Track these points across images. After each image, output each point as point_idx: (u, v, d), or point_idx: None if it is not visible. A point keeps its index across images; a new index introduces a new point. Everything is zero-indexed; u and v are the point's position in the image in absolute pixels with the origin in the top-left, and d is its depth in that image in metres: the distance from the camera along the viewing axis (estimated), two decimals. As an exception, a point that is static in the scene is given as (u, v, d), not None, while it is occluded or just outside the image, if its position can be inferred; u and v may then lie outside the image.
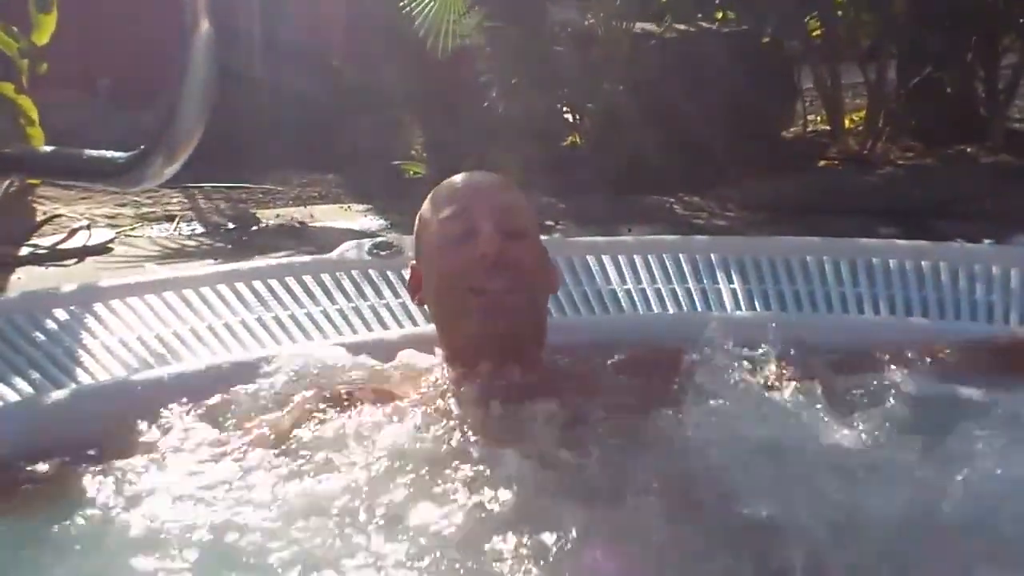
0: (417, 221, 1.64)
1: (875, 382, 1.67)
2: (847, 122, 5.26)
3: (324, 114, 4.89)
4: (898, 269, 2.14)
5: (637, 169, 4.13)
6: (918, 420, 1.53)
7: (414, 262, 1.67)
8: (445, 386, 1.52)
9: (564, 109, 4.72)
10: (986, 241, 2.96)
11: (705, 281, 2.12)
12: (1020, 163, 4.59)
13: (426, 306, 1.70)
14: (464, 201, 1.55)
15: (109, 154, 1.84)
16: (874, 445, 1.44)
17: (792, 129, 5.32)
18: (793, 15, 4.96)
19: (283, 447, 1.44)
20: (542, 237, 1.69)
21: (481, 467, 1.34)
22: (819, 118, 5.45)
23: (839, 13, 5.09)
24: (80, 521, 1.29)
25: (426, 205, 1.62)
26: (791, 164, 4.41)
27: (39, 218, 3.62)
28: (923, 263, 2.15)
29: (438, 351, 1.63)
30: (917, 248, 2.26)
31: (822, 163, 4.72)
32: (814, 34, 5.15)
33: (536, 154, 4.21)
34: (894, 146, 4.95)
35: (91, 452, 1.48)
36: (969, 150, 4.87)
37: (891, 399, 1.58)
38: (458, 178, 1.61)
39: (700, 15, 5.19)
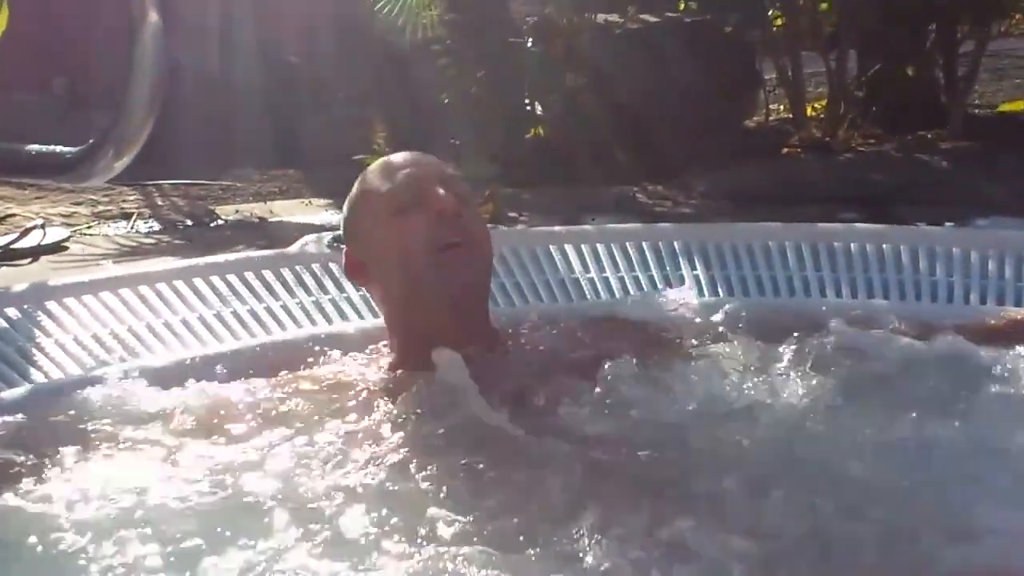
0: (350, 204, 1.63)
1: (838, 363, 1.68)
2: (809, 110, 5.29)
3: (284, 110, 4.84)
4: (859, 252, 2.15)
5: (601, 159, 4.12)
6: (895, 398, 1.54)
7: (345, 248, 1.65)
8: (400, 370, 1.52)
9: (527, 101, 4.70)
10: (947, 224, 2.99)
11: (668, 268, 2.12)
12: (979, 148, 4.63)
13: (366, 290, 1.69)
14: (407, 173, 1.55)
15: (58, 149, 1.80)
16: (831, 415, 1.45)
17: (755, 118, 5.34)
18: (755, 5, 4.98)
19: (248, 441, 1.42)
20: (505, 229, 1.70)
21: (444, 451, 1.33)
22: (781, 107, 5.48)
23: (800, 2, 5.11)
24: (37, 517, 1.26)
25: (359, 187, 1.61)
26: (754, 153, 4.42)
27: (-9, 218, 3.55)
28: (884, 246, 2.16)
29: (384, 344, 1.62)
30: (877, 231, 2.27)
31: (785, 151, 4.74)
32: (776, 24, 5.18)
33: (499, 146, 4.19)
34: (856, 133, 4.98)
35: (48, 450, 1.45)
36: (929, 136, 4.91)
37: (852, 373, 1.59)
38: (392, 157, 1.62)
39: (664, 6, 5.20)
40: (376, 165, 1.62)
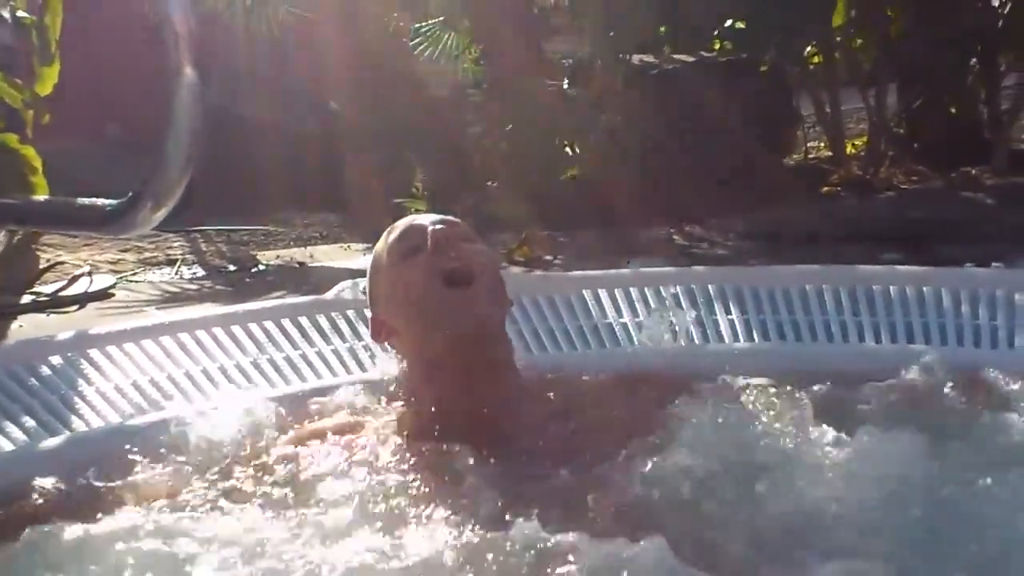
0: (369, 271, 1.66)
1: (877, 412, 1.64)
2: (849, 148, 5.25)
3: (325, 155, 4.91)
4: (899, 296, 2.11)
5: (637, 200, 4.12)
6: (920, 450, 1.50)
7: (371, 314, 1.66)
8: (417, 423, 1.52)
9: (563, 142, 4.72)
10: (993, 264, 2.94)
11: (703, 312, 2.10)
12: (1026, 184, 4.55)
13: (390, 347, 1.68)
14: (410, 222, 1.61)
15: (100, 202, 1.85)
16: (871, 477, 1.40)
17: (794, 156, 5.31)
18: (791, 42, 4.97)
19: (280, 493, 1.43)
20: (539, 273, 1.69)
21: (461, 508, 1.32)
22: (820, 144, 5.44)
23: (837, 39, 5.09)
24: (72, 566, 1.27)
25: (373, 260, 1.65)
26: (794, 192, 4.38)
27: (41, 266, 3.62)
28: (924, 289, 2.12)
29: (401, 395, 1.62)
30: (917, 274, 2.24)
31: (825, 190, 4.70)
32: (813, 60, 5.16)
33: (536, 188, 4.20)
34: (898, 170, 4.93)
35: (80, 498, 1.47)
36: (973, 172, 4.84)
37: (890, 429, 1.54)
38: (395, 224, 1.66)
39: (699, 46, 5.21)
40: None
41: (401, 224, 1.63)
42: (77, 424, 1.76)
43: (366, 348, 1.96)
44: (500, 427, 1.48)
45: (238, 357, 1.94)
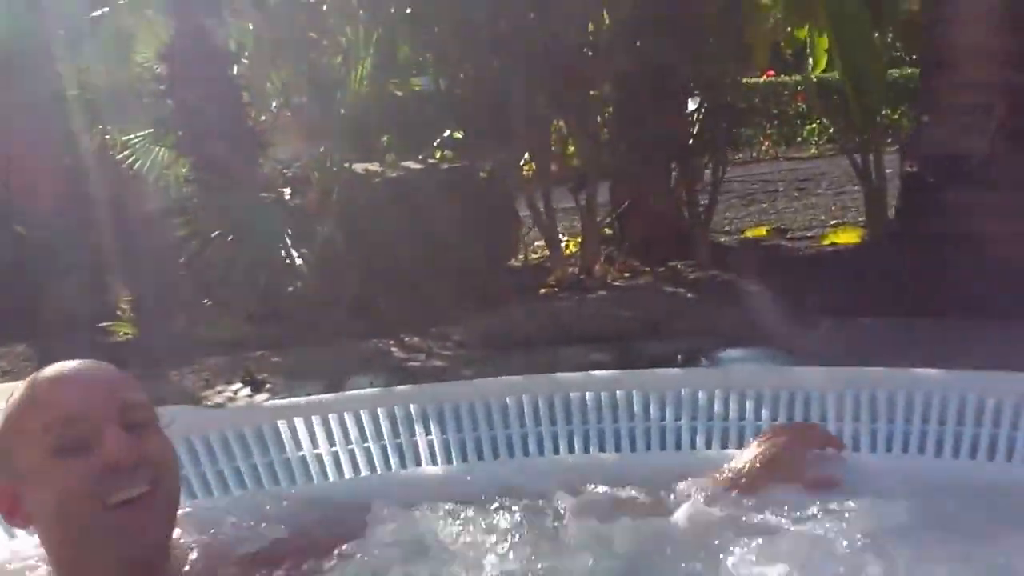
0: (3, 419, 1.34)
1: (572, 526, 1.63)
2: (572, 246, 5.48)
3: (10, 283, 4.46)
4: (594, 402, 2.15)
5: (359, 312, 4.07)
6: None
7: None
8: None
9: (285, 256, 4.61)
10: (678, 357, 3.11)
11: (402, 435, 2.04)
12: (724, 277, 4.92)
13: (32, 527, 1.38)
14: (76, 404, 1.29)
15: None
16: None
17: (517, 257, 5.48)
18: (508, 151, 5.18)
19: None
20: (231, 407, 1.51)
21: None
22: (541, 245, 5.65)
23: (551, 148, 5.36)
24: None
25: (15, 409, 1.32)
26: (514, 294, 4.49)
27: None
28: (618, 393, 2.17)
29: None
30: (612, 378, 2.29)
31: (542, 291, 4.85)
32: (528, 168, 5.39)
33: (254, 304, 4.05)
34: (613, 267, 5.19)
35: None
36: (679, 266, 5.17)
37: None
38: (56, 375, 1.33)
39: (420, 155, 5.32)
40: (34, 384, 1.32)
41: (60, 394, 1.29)
42: None
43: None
44: None
45: None
